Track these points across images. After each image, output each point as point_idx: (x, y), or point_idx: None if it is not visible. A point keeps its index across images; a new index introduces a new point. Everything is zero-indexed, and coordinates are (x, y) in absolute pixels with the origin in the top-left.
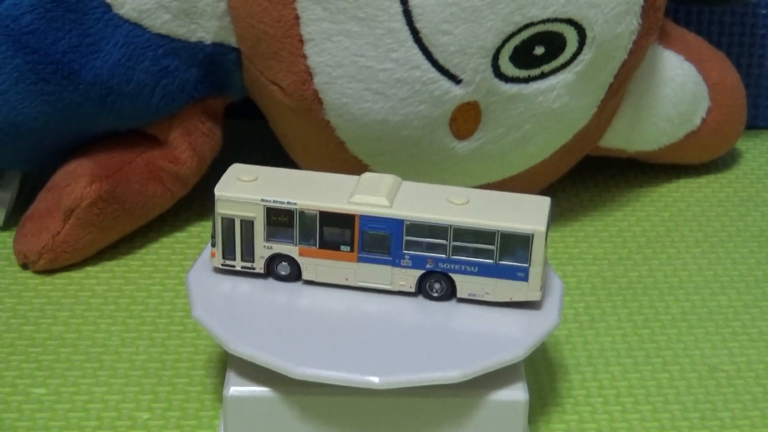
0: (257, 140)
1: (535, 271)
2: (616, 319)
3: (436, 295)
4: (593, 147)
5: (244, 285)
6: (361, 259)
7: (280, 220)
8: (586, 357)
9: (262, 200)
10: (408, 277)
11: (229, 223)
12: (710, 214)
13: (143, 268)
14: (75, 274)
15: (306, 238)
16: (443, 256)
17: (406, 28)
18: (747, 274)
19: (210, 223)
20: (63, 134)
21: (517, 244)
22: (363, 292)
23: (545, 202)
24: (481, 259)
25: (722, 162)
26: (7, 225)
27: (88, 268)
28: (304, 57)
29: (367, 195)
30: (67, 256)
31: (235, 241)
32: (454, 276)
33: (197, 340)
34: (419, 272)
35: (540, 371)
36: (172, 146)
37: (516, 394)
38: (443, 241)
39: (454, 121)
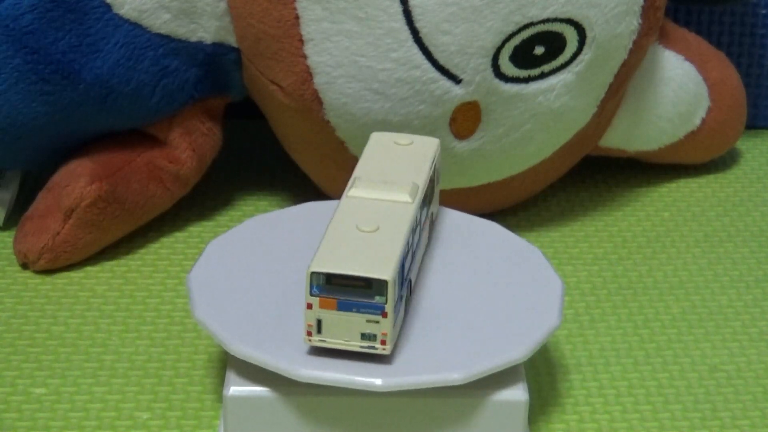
0: (257, 140)
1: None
2: (616, 319)
3: None
4: (593, 147)
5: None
6: None
7: None
8: (586, 357)
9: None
10: None
11: None
12: (710, 214)
13: (143, 268)
14: (75, 274)
15: None
16: None
17: (406, 28)
18: (747, 274)
19: (210, 223)
20: (63, 134)
21: None
22: None
23: (386, 278)
24: None
25: (722, 162)
26: (7, 225)
27: (88, 268)
28: (304, 57)
29: (368, 180)
30: (67, 256)
31: None
32: None
33: (197, 340)
34: None
35: (540, 371)
36: (172, 146)
37: (516, 394)
38: None
39: (454, 121)
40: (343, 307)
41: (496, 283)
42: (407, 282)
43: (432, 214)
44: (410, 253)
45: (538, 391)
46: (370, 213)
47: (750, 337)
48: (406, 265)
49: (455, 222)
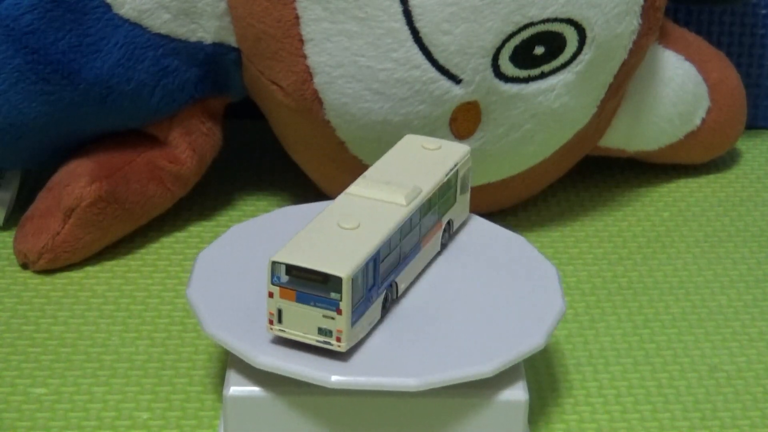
0: (257, 140)
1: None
2: (616, 319)
3: None
4: (593, 147)
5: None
6: None
7: None
8: (586, 357)
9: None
10: None
11: None
12: (710, 214)
13: (143, 268)
14: (75, 274)
15: None
16: None
17: (406, 28)
18: (747, 274)
19: (210, 223)
20: (63, 134)
21: None
22: None
23: (342, 275)
24: None
25: (722, 162)
26: (7, 225)
27: (88, 268)
28: (304, 57)
29: (371, 180)
30: (67, 256)
31: None
32: None
33: (197, 340)
34: None
35: (540, 371)
36: (172, 146)
37: (516, 394)
38: None
39: (454, 121)
40: (301, 299)
41: (496, 296)
42: (388, 284)
43: (450, 221)
44: (397, 255)
45: (538, 391)
46: (359, 211)
47: (750, 337)
48: (383, 267)
49: (479, 232)
